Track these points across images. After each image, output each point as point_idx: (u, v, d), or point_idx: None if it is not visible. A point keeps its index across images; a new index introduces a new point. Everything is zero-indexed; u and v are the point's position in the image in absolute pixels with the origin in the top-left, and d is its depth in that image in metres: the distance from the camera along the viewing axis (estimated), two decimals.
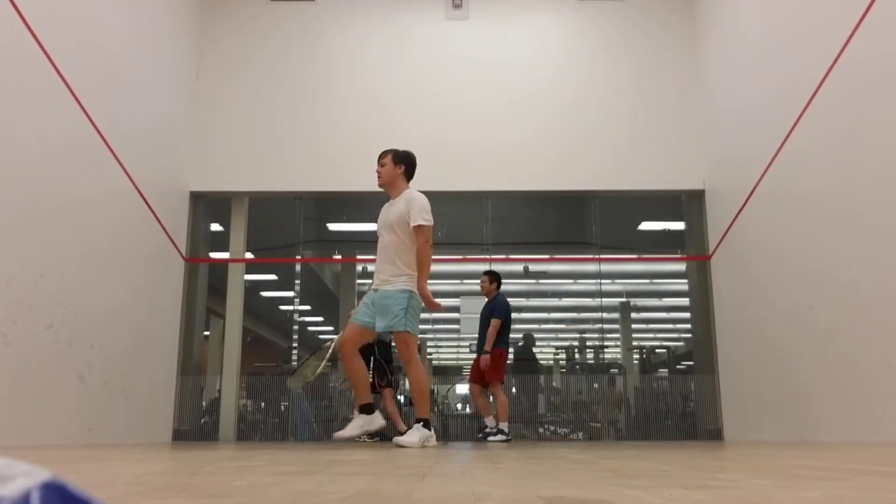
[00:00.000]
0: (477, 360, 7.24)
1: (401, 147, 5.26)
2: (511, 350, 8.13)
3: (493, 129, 8.72)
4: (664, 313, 14.65)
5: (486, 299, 7.39)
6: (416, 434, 4.78)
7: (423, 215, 4.89)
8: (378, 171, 5.15)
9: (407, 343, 4.85)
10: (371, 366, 6.98)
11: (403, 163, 5.16)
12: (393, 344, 6.85)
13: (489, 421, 7.11)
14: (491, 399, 7.30)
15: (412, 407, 5.52)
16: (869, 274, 5.22)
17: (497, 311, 7.21)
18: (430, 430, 4.87)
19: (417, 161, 5.24)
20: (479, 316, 7.44)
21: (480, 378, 7.17)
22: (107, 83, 6.63)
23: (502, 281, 7.51)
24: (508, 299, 7.38)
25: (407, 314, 4.80)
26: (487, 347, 7.08)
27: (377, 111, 8.74)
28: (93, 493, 0.43)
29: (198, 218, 8.68)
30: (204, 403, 8.66)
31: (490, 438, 6.90)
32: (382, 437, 6.77)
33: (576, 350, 11.06)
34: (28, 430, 5.29)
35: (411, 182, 5.21)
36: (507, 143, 8.67)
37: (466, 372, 11.53)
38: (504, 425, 7.00)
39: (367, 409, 5.02)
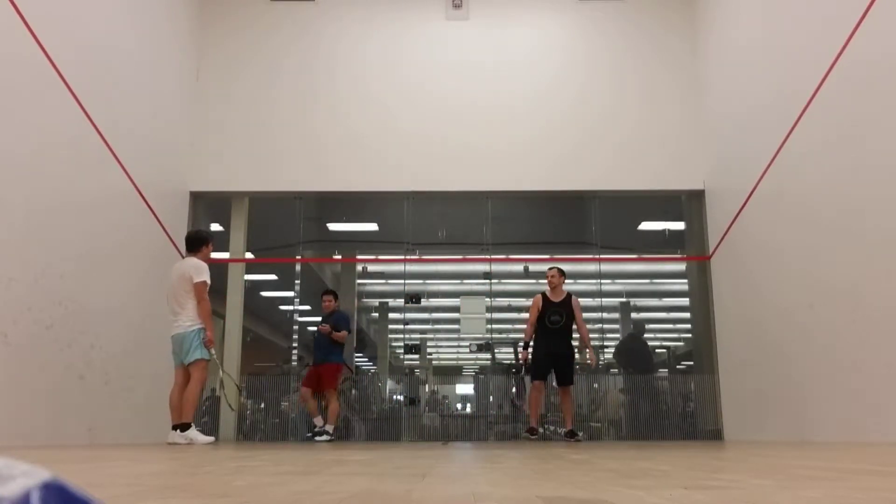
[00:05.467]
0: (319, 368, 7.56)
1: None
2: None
3: (493, 129, 8.71)
4: (664, 313, 14.62)
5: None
6: None
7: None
8: None
9: None
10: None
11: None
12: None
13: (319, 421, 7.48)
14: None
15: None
16: (869, 274, 5.22)
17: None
18: None
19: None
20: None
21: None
22: (107, 83, 6.63)
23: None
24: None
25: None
26: None
27: (377, 111, 8.73)
28: (93, 493, 0.43)
29: (198, 218, 8.68)
30: (204, 403, 8.64)
31: (317, 439, 7.30)
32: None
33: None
34: (28, 430, 5.29)
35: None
36: (508, 144, 8.66)
37: (468, 372, 11.53)
38: (331, 427, 7.41)
39: None
